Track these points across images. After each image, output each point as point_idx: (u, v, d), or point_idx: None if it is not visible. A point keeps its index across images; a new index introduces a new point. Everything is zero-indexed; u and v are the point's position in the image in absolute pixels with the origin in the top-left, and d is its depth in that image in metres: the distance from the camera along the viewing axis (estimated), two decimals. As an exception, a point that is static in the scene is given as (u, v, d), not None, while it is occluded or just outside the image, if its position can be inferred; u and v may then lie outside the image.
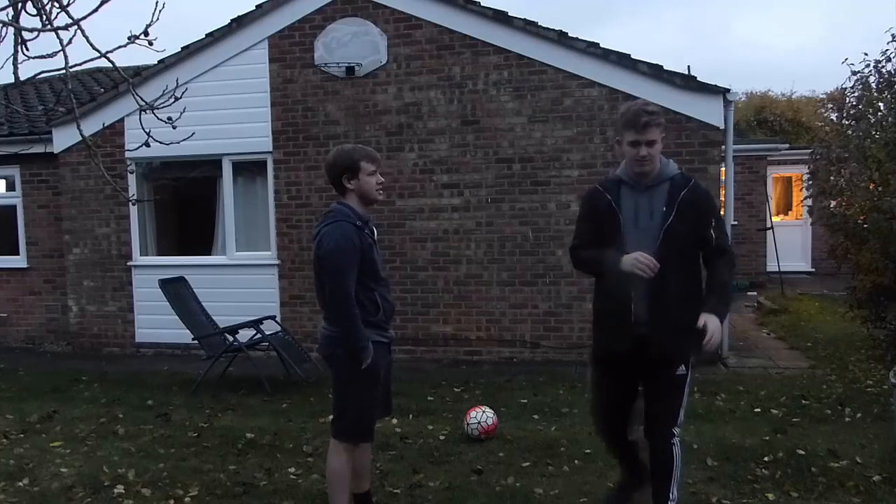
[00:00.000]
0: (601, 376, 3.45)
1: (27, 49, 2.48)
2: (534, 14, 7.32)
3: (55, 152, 8.51)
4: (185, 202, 9.17)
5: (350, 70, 7.75)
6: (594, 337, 3.47)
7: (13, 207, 9.14)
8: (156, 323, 8.20)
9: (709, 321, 2.99)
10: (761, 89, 22.80)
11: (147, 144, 3.02)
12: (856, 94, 8.10)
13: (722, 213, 7.39)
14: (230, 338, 6.62)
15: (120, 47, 2.54)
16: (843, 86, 8.39)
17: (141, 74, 7.99)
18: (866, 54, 7.98)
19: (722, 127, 7.11)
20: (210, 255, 8.60)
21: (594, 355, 3.47)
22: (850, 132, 7.97)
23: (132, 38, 2.49)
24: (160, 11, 2.52)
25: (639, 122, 3.12)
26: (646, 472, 3.35)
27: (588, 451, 4.60)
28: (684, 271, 3.18)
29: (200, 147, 7.31)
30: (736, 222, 10.74)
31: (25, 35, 2.42)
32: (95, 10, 2.38)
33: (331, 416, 3.50)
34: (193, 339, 6.79)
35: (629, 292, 3.11)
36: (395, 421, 5.39)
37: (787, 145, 14.01)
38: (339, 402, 3.42)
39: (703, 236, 3.18)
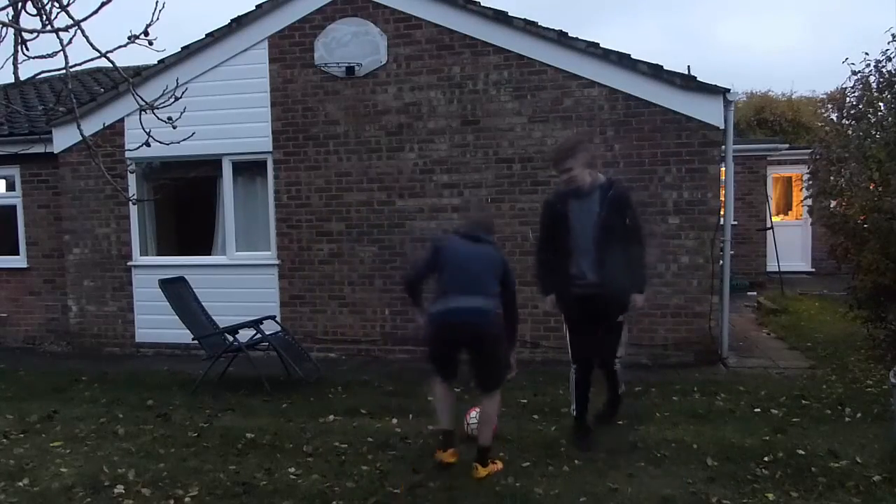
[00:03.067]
0: (571, 324, 4.94)
1: (27, 49, 2.48)
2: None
3: (55, 152, 8.51)
4: (185, 202, 9.17)
5: (350, 70, 7.75)
6: (560, 303, 4.92)
7: (13, 207, 9.14)
8: (156, 323, 8.20)
9: (637, 299, 4.74)
10: (761, 89, 22.83)
11: (147, 144, 3.01)
12: (856, 93, 8.11)
13: (722, 212, 7.42)
14: (230, 338, 6.62)
15: (120, 47, 2.54)
16: (844, 86, 8.41)
17: (141, 74, 7.99)
18: (867, 54, 8.01)
19: (722, 127, 7.11)
20: (210, 255, 8.60)
21: (565, 315, 4.98)
22: (850, 132, 7.98)
23: (132, 38, 2.49)
24: (160, 11, 2.53)
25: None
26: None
27: (588, 450, 4.61)
28: (619, 249, 4.57)
29: (200, 147, 7.32)
30: (736, 222, 10.73)
31: (25, 35, 2.42)
32: (95, 12, 2.38)
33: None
34: (193, 339, 6.79)
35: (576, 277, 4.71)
36: (395, 421, 5.41)
37: (787, 145, 14.00)
38: (501, 362, 4.45)
39: (625, 223, 4.63)
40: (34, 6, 2.42)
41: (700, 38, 37.88)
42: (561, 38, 7.26)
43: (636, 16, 42.02)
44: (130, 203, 8.33)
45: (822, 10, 39.38)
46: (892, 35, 7.64)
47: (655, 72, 7.10)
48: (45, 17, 2.42)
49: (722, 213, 7.42)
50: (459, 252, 4.49)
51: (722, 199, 7.47)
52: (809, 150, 9.84)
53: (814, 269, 14.27)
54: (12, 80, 2.61)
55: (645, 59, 7.17)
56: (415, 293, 4.70)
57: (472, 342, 4.35)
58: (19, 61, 2.48)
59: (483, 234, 4.59)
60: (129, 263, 8.54)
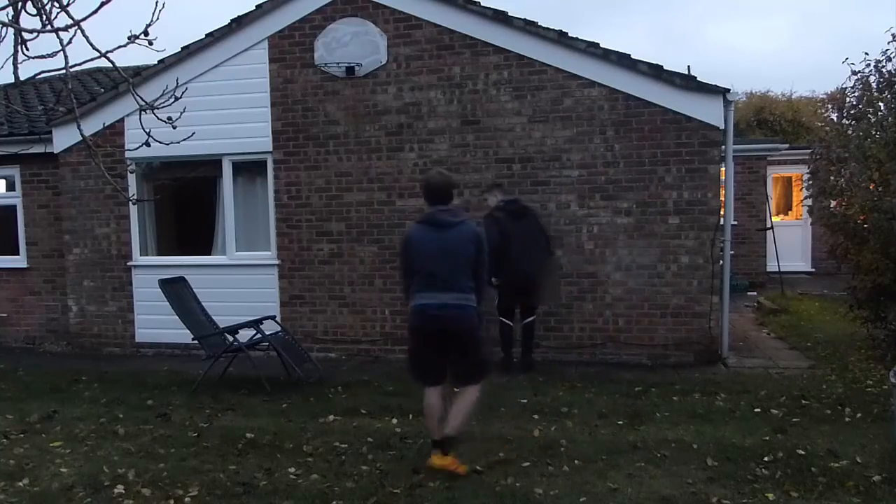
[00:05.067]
0: None
1: (27, 49, 2.48)
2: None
3: (55, 152, 8.51)
4: (186, 202, 9.17)
5: (350, 70, 7.75)
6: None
7: (13, 207, 9.14)
8: (156, 323, 8.20)
9: None
10: (761, 89, 22.83)
11: (147, 144, 3.01)
12: (856, 93, 8.10)
13: (722, 212, 7.43)
14: (230, 338, 6.62)
15: (120, 47, 2.54)
16: (844, 86, 8.40)
17: (141, 74, 7.99)
18: (867, 54, 7.99)
19: (722, 127, 7.10)
20: (210, 255, 8.59)
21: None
22: (850, 132, 7.97)
23: (132, 38, 2.49)
24: (160, 11, 2.53)
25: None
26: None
27: (588, 450, 4.61)
28: None
29: (200, 147, 7.32)
30: (736, 222, 10.74)
31: (25, 35, 2.42)
32: (95, 12, 2.38)
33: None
34: (193, 339, 6.79)
35: None
36: (395, 421, 5.40)
37: (787, 145, 14.00)
38: (480, 358, 4.47)
39: None
40: (34, 6, 2.42)
41: (688, 41, 38.04)
42: (561, 38, 7.26)
43: (624, 17, 42.24)
44: (130, 203, 8.33)
45: (807, 11, 39.68)
46: (893, 35, 7.64)
47: (655, 72, 7.10)
48: (45, 16, 2.42)
49: (722, 213, 7.42)
50: (425, 246, 4.37)
51: (722, 199, 7.47)
52: (809, 150, 9.83)
53: (814, 269, 14.27)
54: (12, 80, 2.61)
55: (644, 59, 7.17)
56: (408, 294, 4.57)
57: (445, 338, 4.31)
58: (19, 61, 2.49)
59: (447, 216, 4.42)
60: (129, 263, 8.54)
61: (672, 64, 7.11)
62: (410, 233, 4.54)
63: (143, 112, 2.85)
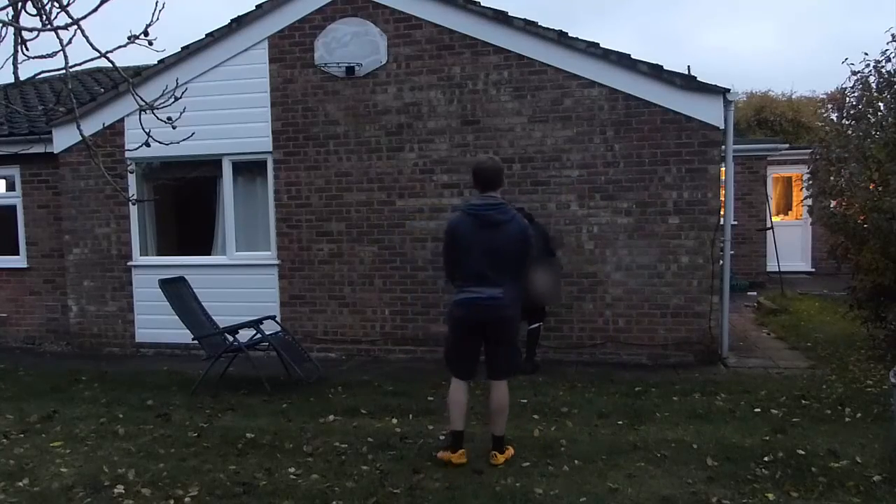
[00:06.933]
0: None
1: (27, 49, 2.48)
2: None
3: (55, 152, 8.52)
4: (185, 202, 9.17)
5: (350, 70, 7.75)
6: None
7: (13, 207, 9.14)
8: (156, 323, 8.20)
9: None
10: (761, 89, 22.85)
11: (147, 144, 3.01)
12: (856, 94, 8.11)
13: (722, 212, 7.42)
14: (230, 338, 6.62)
15: (120, 47, 2.54)
16: (843, 86, 8.41)
17: (141, 74, 7.99)
18: (866, 54, 8.01)
19: (722, 127, 7.10)
20: (210, 255, 8.59)
21: None
22: (850, 132, 7.98)
23: (132, 38, 2.49)
24: (160, 11, 2.53)
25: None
26: None
27: (588, 450, 4.61)
28: None
29: (200, 147, 7.33)
30: (736, 222, 10.74)
31: (25, 35, 2.42)
32: (95, 10, 2.38)
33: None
34: (193, 339, 6.79)
35: None
36: (395, 421, 5.40)
37: (787, 145, 14.00)
38: (513, 350, 4.61)
39: None
40: (34, 6, 2.42)
41: (682, 43, 38.09)
42: (561, 38, 7.26)
43: (618, 20, 42.36)
44: (130, 203, 8.33)
45: (799, 12, 39.81)
46: (892, 35, 7.65)
47: (655, 72, 7.10)
48: (44, 16, 2.42)
49: (722, 213, 7.42)
50: (470, 243, 4.35)
51: (722, 199, 7.47)
52: (809, 150, 9.84)
53: (814, 269, 14.28)
54: (12, 80, 2.61)
55: (644, 60, 7.17)
56: (451, 283, 4.70)
57: (484, 328, 4.42)
58: (19, 61, 2.49)
59: (496, 214, 4.36)
60: (129, 263, 8.54)
61: (668, 65, 7.11)
62: (456, 224, 4.47)
63: (143, 112, 2.85)
